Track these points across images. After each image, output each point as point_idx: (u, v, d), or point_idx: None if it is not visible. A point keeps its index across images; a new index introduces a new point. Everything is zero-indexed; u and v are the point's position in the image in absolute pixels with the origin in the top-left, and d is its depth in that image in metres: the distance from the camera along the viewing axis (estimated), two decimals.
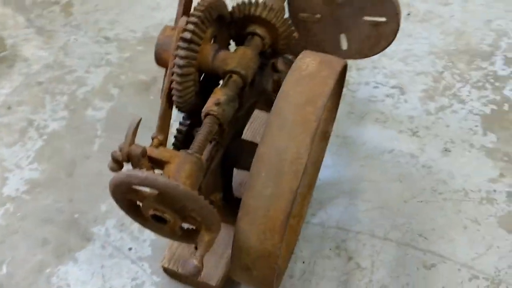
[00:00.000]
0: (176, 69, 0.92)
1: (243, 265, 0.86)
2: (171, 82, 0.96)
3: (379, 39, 1.17)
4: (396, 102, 1.48)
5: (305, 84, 0.84)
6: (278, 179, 0.79)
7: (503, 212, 1.26)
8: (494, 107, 1.48)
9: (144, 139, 1.30)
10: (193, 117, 1.03)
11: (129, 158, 0.82)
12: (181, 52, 0.92)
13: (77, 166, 1.32)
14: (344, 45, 1.21)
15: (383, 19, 1.12)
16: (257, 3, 1.02)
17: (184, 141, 1.00)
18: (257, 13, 1.02)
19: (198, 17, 0.92)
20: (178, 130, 1.02)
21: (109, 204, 1.25)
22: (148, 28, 1.66)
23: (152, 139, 0.88)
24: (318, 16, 1.17)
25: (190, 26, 0.92)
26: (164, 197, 0.77)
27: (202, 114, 0.92)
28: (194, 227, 0.84)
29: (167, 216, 0.79)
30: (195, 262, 0.77)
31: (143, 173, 0.74)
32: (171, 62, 0.95)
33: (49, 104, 1.45)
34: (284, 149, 0.79)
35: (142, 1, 1.74)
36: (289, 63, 1.03)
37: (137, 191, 0.81)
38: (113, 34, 1.63)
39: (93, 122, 1.41)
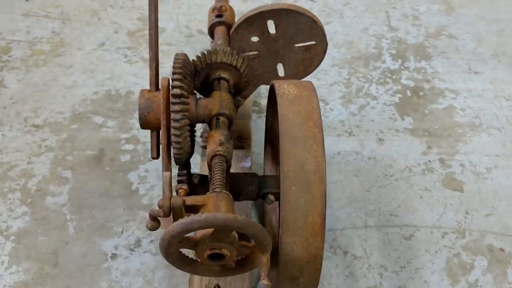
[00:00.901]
0: (173, 124, 1.00)
1: (291, 276, 0.95)
2: (168, 138, 1.02)
3: (311, 60, 1.34)
4: (324, 112, 1.68)
5: (297, 105, 0.97)
6: (308, 188, 0.90)
7: (443, 176, 1.49)
8: (400, 95, 1.74)
9: (112, 208, 1.34)
10: (186, 167, 1.10)
11: (172, 211, 0.87)
12: (176, 107, 0.99)
13: (60, 255, 1.29)
14: (281, 72, 1.37)
15: (313, 42, 1.30)
16: (216, 51, 1.14)
17: (193, 188, 1.06)
18: (219, 60, 1.13)
19: (180, 73, 1.01)
20: (180, 181, 1.08)
21: (108, 280, 1.24)
22: (74, 105, 1.66)
23: (177, 191, 0.94)
24: (256, 53, 1.32)
25: (177, 83, 1.00)
26: (220, 233, 0.84)
27: (208, 157, 1.00)
28: (243, 257, 0.91)
29: (224, 251, 0.86)
30: (264, 282, 0.84)
31: (200, 216, 0.81)
32: (163, 120, 1.02)
33: (2, 205, 1.39)
34: (304, 161, 0.91)
35: (56, 83, 1.74)
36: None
37: (189, 239, 0.86)
38: (41, 120, 1.61)
39: (57, 208, 1.39)
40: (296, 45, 1.31)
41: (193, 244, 0.87)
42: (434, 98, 1.72)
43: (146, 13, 1.24)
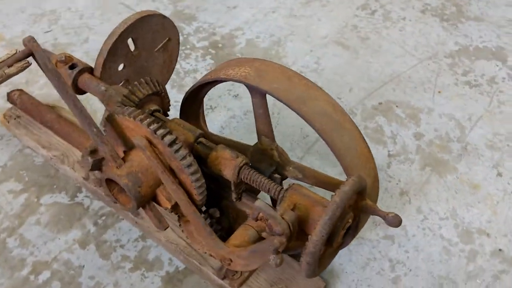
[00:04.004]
0: (190, 169, 0.89)
1: None
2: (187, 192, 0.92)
3: (170, 57, 1.30)
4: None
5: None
6: (342, 127, 0.96)
7: None
8: None
9: None
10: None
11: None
12: (183, 152, 0.88)
13: None
14: None
15: (167, 38, 1.25)
16: (136, 86, 1.01)
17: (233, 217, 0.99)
18: (142, 95, 1.02)
19: (167, 128, 0.90)
20: (215, 222, 1.00)
21: None
22: None
23: (257, 219, 0.88)
24: (126, 79, 1.20)
25: (163, 130, 0.89)
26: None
27: (235, 175, 0.94)
28: None
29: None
30: (392, 215, 0.90)
31: (341, 194, 0.81)
32: (166, 175, 0.90)
33: None
34: (324, 108, 0.96)
35: None
36: None
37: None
38: None
39: None
40: (156, 49, 1.24)
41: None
42: None
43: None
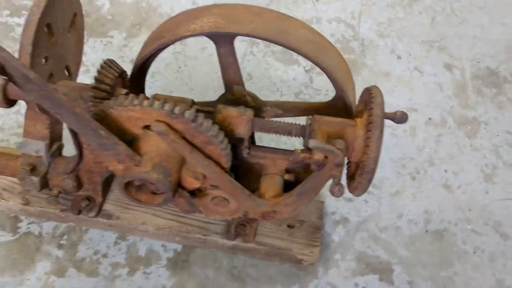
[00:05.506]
0: (220, 139, 0.83)
1: None
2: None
3: (79, 35, 1.12)
4: None
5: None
6: (326, 48, 0.97)
7: None
8: None
9: None
10: None
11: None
12: (208, 123, 0.81)
13: None
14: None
15: (73, 13, 1.07)
16: (102, 70, 0.87)
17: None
18: (113, 76, 0.88)
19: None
20: None
21: None
22: None
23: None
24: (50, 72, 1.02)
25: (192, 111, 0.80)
26: None
27: (249, 126, 0.90)
28: None
29: None
30: None
31: None
32: (191, 153, 0.82)
33: None
34: (308, 37, 0.95)
35: None
36: None
37: None
38: None
39: None
40: (67, 30, 1.06)
41: None
42: None
43: None
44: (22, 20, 1.59)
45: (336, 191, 0.83)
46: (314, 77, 1.54)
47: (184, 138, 0.81)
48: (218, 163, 0.86)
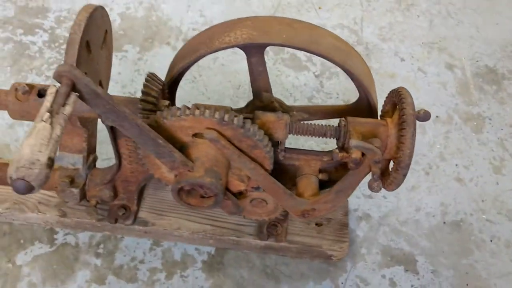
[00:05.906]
0: (265, 143, 0.89)
1: None
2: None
3: (109, 50, 1.17)
4: None
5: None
6: (352, 55, 1.04)
7: None
8: None
9: None
10: None
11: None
12: (260, 132, 0.87)
13: None
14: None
15: (105, 30, 1.12)
16: (148, 84, 0.92)
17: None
18: (157, 89, 0.93)
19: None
20: None
21: None
22: None
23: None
24: None
25: (240, 117, 0.86)
26: None
27: (287, 130, 0.96)
28: None
29: None
30: None
31: None
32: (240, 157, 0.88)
33: None
34: (335, 43, 1.02)
35: None
36: None
37: None
38: None
39: None
40: (100, 46, 1.11)
41: None
42: None
43: None
44: (35, 38, 1.63)
45: (376, 186, 0.89)
46: (324, 82, 1.60)
47: (232, 143, 0.87)
48: (262, 166, 0.91)
